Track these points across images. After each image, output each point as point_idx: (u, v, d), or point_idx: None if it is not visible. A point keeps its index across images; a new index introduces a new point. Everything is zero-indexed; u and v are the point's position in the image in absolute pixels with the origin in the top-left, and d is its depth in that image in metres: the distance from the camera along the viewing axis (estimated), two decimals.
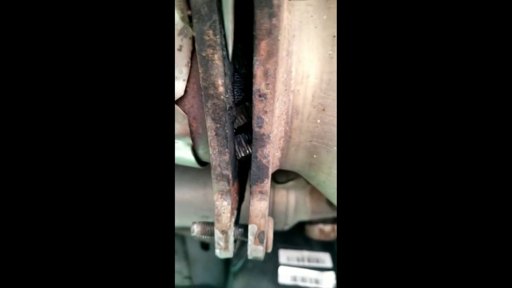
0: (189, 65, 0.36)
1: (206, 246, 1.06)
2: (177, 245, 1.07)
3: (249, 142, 0.41)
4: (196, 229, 0.44)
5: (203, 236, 0.45)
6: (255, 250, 0.41)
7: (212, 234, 0.44)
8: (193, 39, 0.36)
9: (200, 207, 0.76)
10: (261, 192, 0.38)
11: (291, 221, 0.77)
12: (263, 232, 0.40)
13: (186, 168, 0.71)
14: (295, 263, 0.83)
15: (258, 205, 0.39)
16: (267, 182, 0.37)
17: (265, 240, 0.41)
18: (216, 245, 0.42)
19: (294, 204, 0.75)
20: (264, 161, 0.35)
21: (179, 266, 1.14)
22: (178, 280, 1.17)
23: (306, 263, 0.84)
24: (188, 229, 0.87)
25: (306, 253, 0.85)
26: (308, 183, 0.69)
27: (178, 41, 0.36)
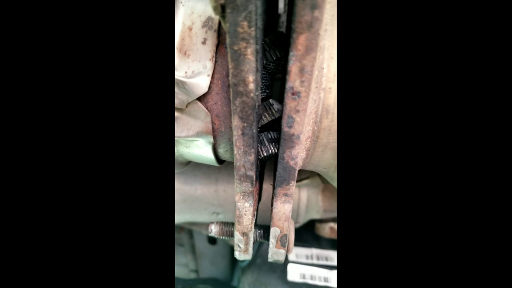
0: (214, 59, 0.34)
1: (213, 240, 1.05)
2: (185, 238, 1.07)
3: (272, 141, 0.39)
4: (214, 230, 0.43)
5: (221, 237, 0.43)
6: (276, 253, 0.40)
7: (231, 235, 0.42)
8: (218, 32, 0.34)
9: (211, 203, 0.75)
10: (285, 195, 0.36)
11: (302, 219, 0.76)
12: (285, 235, 0.38)
13: (198, 164, 0.69)
14: (304, 260, 0.82)
15: (282, 208, 0.37)
16: (293, 185, 0.35)
17: (286, 243, 0.39)
18: (235, 247, 0.40)
19: (305, 202, 0.73)
20: (291, 162, 0.33)
21: (186, 259, 1.13)
22: (184, 273, 1.16)
23: (315, 261, 0.83)
24: (198, 224, 0.86)
25: (315, 251, 0.84)
26: (322, 181, 0.67)
27: (202, 33, 0.34)
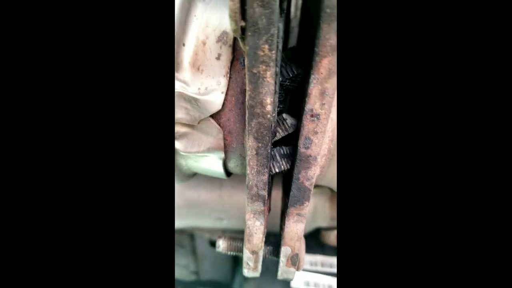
0: (228, 75, 0.33)
1: (215, 243, 1.04)
2: (186, 240, 1.06)
3: (284, 157, 0.38)
4: (222, 245, 0.42)
5: (229, 253, 0.43)
6: (287, 272, 0.39)
7: (239, 250, 0.41)
8: (233, 48, 0.33)
9: (215, 209, 0.74)
10: (298, 215, 0.35)
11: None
12: (296, 254, 0.38)
13: None
14: (308, 267, 0.82)
15: (294, 228, 0.36)
16: (307, 205, 0.34)
17: (297, 262, 0.38)
18: (244, 265, 0.40)
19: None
20: (307, 183, 0.32)
21: (186, 261, 1.13)
22: (185, 274, 1.16)
23: (319, 268, 0.83)
24: (201, 229, 0.86)
25: (319, 258, 0.84)
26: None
27: (216, 48, 0.33)
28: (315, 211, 0.73)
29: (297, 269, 0.40)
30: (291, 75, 0.32)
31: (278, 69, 0.26)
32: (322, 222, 0.74)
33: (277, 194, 0.65)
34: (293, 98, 0.39)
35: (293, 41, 0.61)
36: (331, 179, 0.40)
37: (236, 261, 1.05)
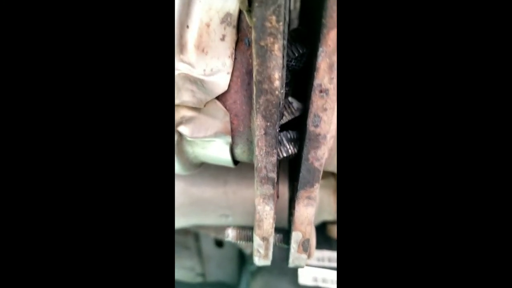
0: (233, 56, 0.32)
1: (220, 243, 1.03)
2: (191, 241, 1.05)
3: (291, 141, 0.37)
4: (231, 234, 0.41)
5: (238, 242, 0.42)
6: (298, 259, 0.38)
7: (249, 239, 0.41)
8: (237, 28, 0.32)
9: (220, 205, 0.73)
10: (308, 198, 0.35)
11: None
12: (308, 240, 0.37)
13: (205, 165, 0.68)
14: (316, 263, 0.81)
15: (304, 211, 0.36)
16: (317, 187, 0.34)
17: (308, 248, 0.38)
18: (255, 252, 0.39)
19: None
20: (316, 164, 0.32)
21: (192, 263, 1.12)
22: (191, 276, 1.15)
23: (327, 263, 0.82)
24: (205, 227, 0.85)
25: (327, 253, 0.83)
26: (336, 181, 0.66)
27: (220, 29, 0.32)
28: (321, 204, 0.72)
29: (308, 256, 0.40)
30: (296, 55, 0.32)
31: (285, 42, 0.26)
32: (328, 216, 0.74)
33: (281, 189, 0.64)
34: (298, 81, 0.38)
35: None
36: None
37: (242, 261, 1.03)
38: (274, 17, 0.24)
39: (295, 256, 0.38)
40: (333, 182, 0.68)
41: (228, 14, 0.32)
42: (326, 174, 0.66)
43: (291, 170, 0.36)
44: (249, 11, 0.24)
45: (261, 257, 0.38)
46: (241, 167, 0.66)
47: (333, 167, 0.41)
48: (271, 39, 0.25)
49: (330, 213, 0.73)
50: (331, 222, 0.79)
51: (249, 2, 0.24)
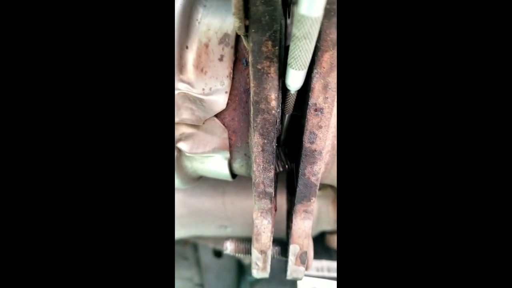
0: (231, 76, 0.33)
1: (219, 253, 1.03)
2: (189, 252, 1.05)
3: (288, 156, 0.38)
4: (229, 247, 0.42)
5: (237, 254, 0.43)
6: (296, 271, 0.39)
7: (248, 252, 0.41)
8: (235, 49, 0.34)
9: (218, 216, 0.73)
10: (305, 211, 0.36)
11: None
12: (305, 252, 0.38)
13: (205, 177, 0.68)
14: (314, 273, 0.81)
15: (301, 225, 0.36)
16: (314, 201, 0.35)
17: (306, 261, 0.38)
18: (253, 265, 0.39)
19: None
20: (313, 178, 0.33)
21: (190, 273, 1.11)
22: (189, 287, 1.14)
23: (326, 273, 0.82)
24: (204, 238, 0.85)
25: (325, 263, 0.83)
26: (334, 192, 0.66)
27: (219, 50, 0.34)
28: (319, 214, 0.72)
29: (306, 268, 0.40)
30: None
31: (281, 65, 0.27)
32: (327, 226, 0.74)
33: (279, 200, 0.65)
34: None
35: None
36: (335, 177, 0.40)
37: (240, 272, 1.03)
38: (270, 42, 0.25)
39: (293, 269, 0.38)
40: (331, 193, 0.69)
41: (226, 35, 0.34)
42: (324, 185, 0.67)
43: (289, 184, 0.37)
44: (246, 35, 0.25)
45: (259, 270, 0.39)
46: (239, 178, 0.67)
47: (330, 180, 0.41)
48: (268, 63, 0.26)
49: (329, 223, 0.74)
50: (330, 232, 0.79)
51: (246, 27, 0.25)
